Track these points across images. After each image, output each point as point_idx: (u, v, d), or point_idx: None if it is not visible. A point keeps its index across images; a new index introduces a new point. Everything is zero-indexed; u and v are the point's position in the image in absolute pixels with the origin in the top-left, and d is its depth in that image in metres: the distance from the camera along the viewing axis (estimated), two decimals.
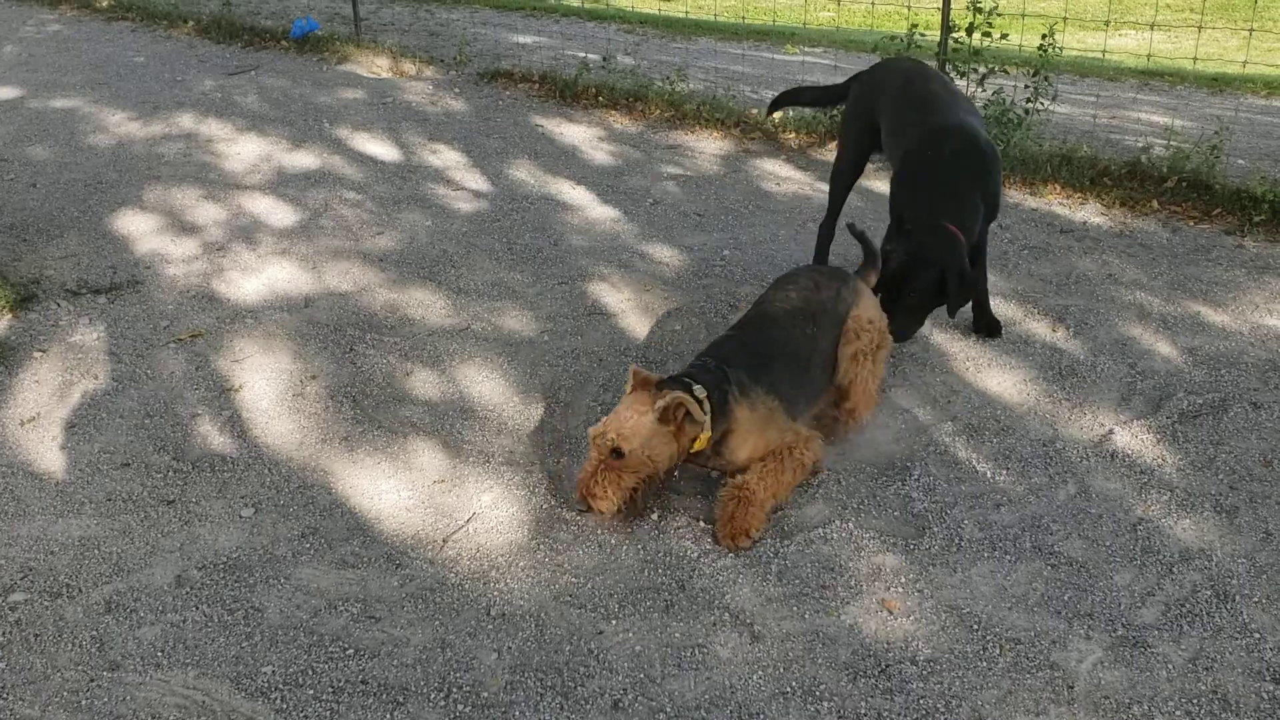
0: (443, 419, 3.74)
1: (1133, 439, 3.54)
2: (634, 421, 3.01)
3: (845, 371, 3.49)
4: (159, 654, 2.75)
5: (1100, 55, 8.50)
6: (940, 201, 3.74)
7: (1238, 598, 2.86)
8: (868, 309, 3.57)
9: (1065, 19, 7.43)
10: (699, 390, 3.07)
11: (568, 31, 9.71)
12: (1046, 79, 5.87)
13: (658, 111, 7.00)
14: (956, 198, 3.76)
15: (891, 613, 2.85)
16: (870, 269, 3.81)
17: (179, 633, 2.82)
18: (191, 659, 2.74)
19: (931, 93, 4.05)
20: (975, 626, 2.79)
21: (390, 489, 3.39)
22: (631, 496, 3.10)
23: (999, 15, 5.76)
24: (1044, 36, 5.83)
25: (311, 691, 2.63)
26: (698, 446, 3.11)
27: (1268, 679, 2.60)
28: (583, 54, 8.16)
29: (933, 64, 6.19)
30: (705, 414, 3.05)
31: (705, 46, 9.24)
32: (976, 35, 5.82)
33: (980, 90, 6.05)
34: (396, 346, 4.22)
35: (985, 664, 2.67)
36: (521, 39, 9.52)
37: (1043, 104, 5.91)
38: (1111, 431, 3.59)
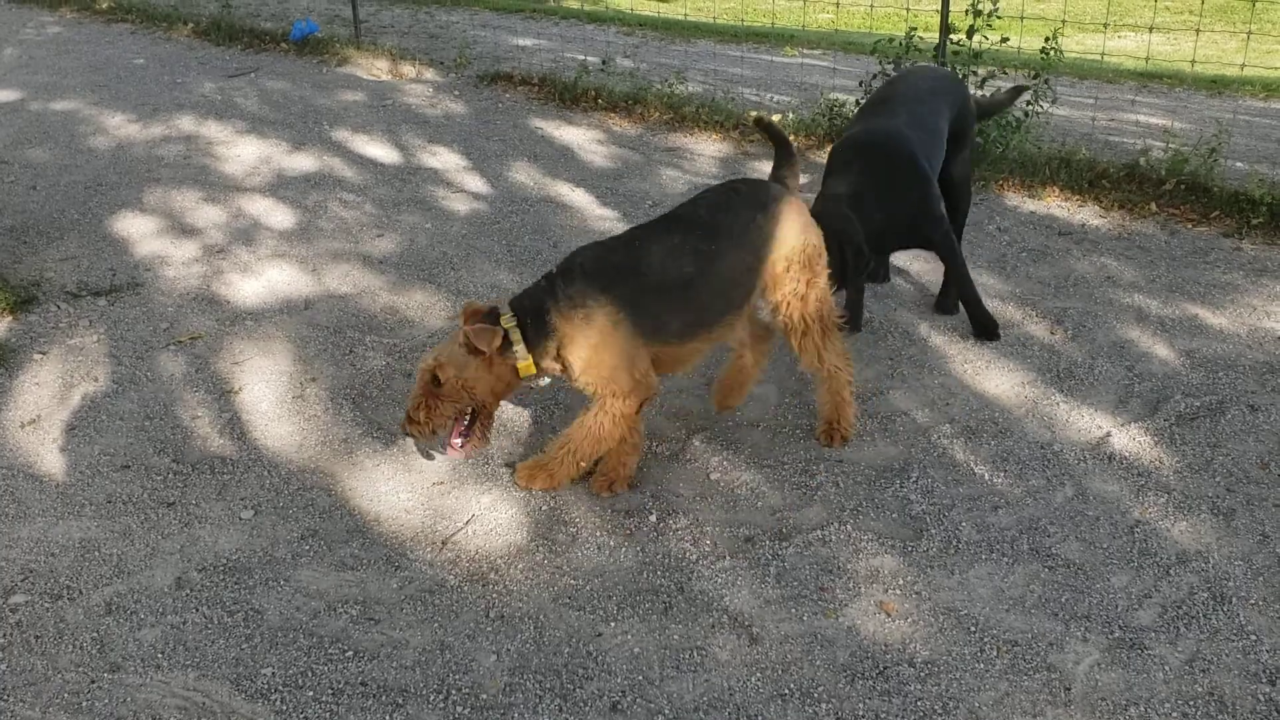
0: None
1: (1130, 441, 3.55)
2: (450, 351, 3.06)
3: (784, 315, 3.38)
4: (159, 655, 2.76)
5: (1099, 57, 8.52)
6: (840, 195, 3.87)
7: (1234, 600, 2.86)
8: (789, 239, 3.30)
9: (1064, 21, 7.43)
10: (506, 319, 3.06)
11: (567, 34, 9.72)
12: (1046, 81, 5.88)
13: (657, 114, 7.01)
14: (856, 198, 3.84)
15: (889, 615, 2.85)
16: (787, 164, 3.46)
17: (179, 634, 2.83)
18: (192, 660, 2.74)
19: (886, 98, 4.16)
20: (973, 628, 2.80)
21: (390, 491, 3.39)
22: (467, 428, 3.17)
23: (999, 18, 5.77)
24: (1047, 40, 5.84)
25: (311, 693, 2.64)
26: (525, 372, 3.11)
27: (1264, 681, 2.61)
28: (582, 56, 8.17)
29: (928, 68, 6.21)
30: (492, 333, 3.02)
31: (704, 49, 9.25)
32: (976, 38, 5.83)
33: (980, 92, 6.05)
34: (396, 349, 4.23)
35: (983, 666, 2.68)
36: (521, 42, 9.54)
37: (1042, 106, 5.92)
38: (1109, 434, 3.59)
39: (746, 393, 3.70)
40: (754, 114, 3.53)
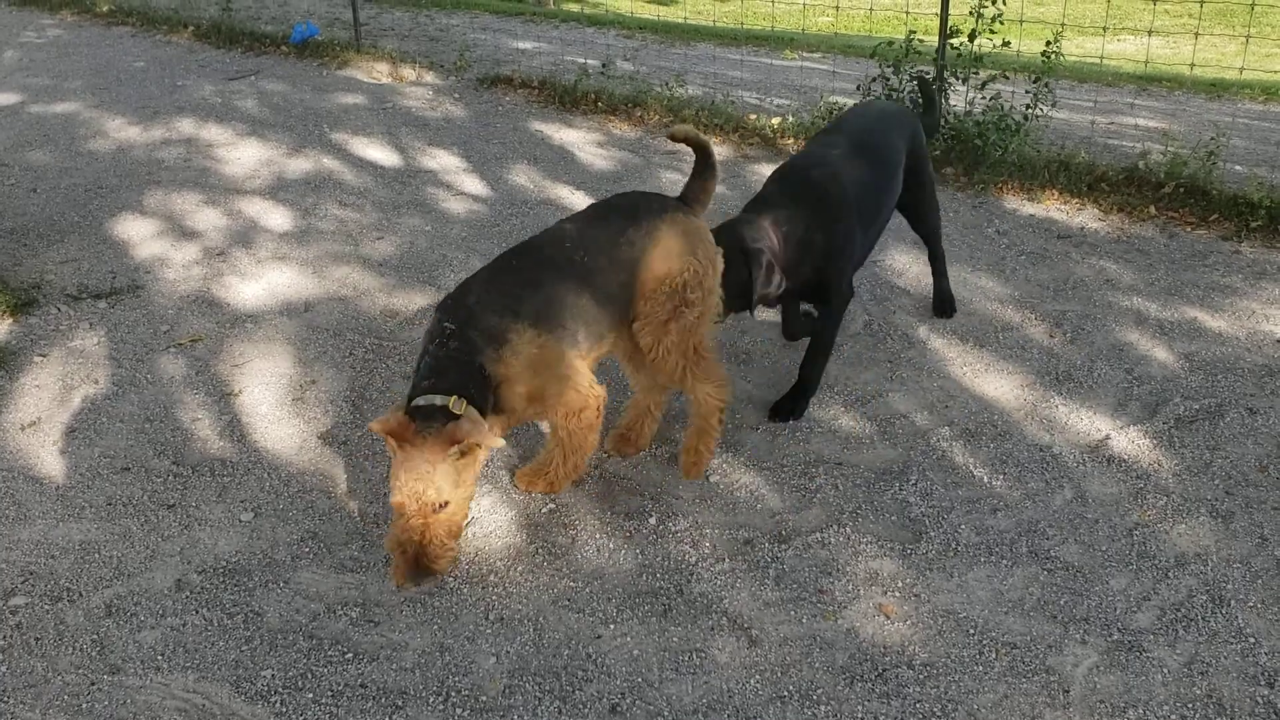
0: None
1: (1129, 444, 3.56)
2: (440, 470, 2.70)
3: (640, 331, 3.17)
4: (159, 657, 2.77)
5: (1098, 61, 8.52)
6: (763, 207, 3.61)
7: (1233, 602, 2.87)
8: (664, 260, 3.11)
9: (1064, 24, 7.44)
10: (454, 404, 2.72)
11: (567, 37, 9.73)
12: (1046, 85, 5.89)
13: (656, 117, 7.02)
14: (775, 210, 3.58)
15: (888, 617, 2.86)
16: (702, 177, 3.29)
17: (179, 636, 2.83)
18: (191, 662, 2.75)
19: (833, 132, 3.94)
20: (972, 631, 2.80)
21: (389, 493, 3.39)
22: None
23: (1001, 22, 5.77)
24: (1048, 43, 5.84)
25: (311, 695, 2.64)
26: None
27: (1262, 683, 2.61)
28: (582, 60, 8.18)
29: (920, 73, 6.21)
30: (482, 423, 2.76)
31: (704, 52, 9.26)
32: (979, 41, 5.83)
33: (980, 96, 6.07)
34: (396, 351, 4.23)
35: (982, 668, 2.69)
36: (521, 45, 9.54)
37: (1042, 109, 5.92)
38: (1108, 436, 3.60)
39: (649, 438, 3.57)
40: (673, 128, 3.30)
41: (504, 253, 3.10)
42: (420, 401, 2.75)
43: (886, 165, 3.89)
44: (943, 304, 4.45)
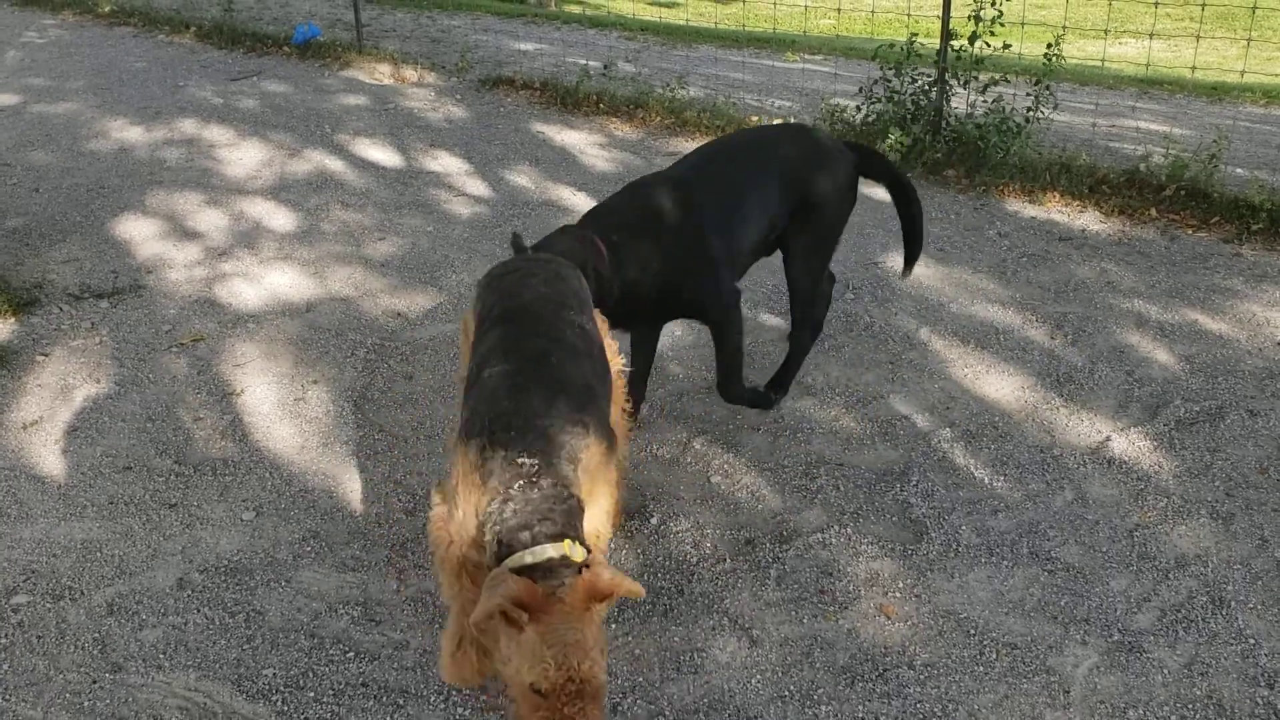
0: (444, 423, 3.76)
1: (1130, 446, 3.56)
2: (590, 635, 2.17)
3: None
4: (161, 656, 2.77)
5: (1100, 64, 8.53)
6: (605, 224, 3.35)
7: (1233, 604, 2.87)
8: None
9: (1065, 27, 7.45)
10: (569, 549, 2.23)
11: (569, 39, 9.74)
12: (1047, 88, 5.90)
13: (658, 118, 7.03)
14: (615, 230, 3.30)
15: (889, 617, 2.86)
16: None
17: (181, 635, 2.84)
18: (193, 661, 2.75)
19: (700, 153, 3.63)
20: (972, 631, 2.81)
21: (391, 493, 3.40)
22: None
23: (1002, 25, 5.78)
24: (1049, 46, 5.85)
25: (312, 694, 2.65)
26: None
27: (1262, 684, 2.62)
28: (584, 61, 8.19)
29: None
30: (608, 565, 2.28)
31: (706, 54, 9.27)
32: (979, 44, 5.84)
33: (982, 98, 6.08)
34: (397, 351, 4.24)
35: (982, 668, 2.69)
36: (523, 46, 9.55)
37: (1044, 113, 5.93)
38: (1109, 438, 3.60)
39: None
40: (515, 232, 3.12)
41: (518, 361, 2.53)
42: (529, 558, 2.21)
43: (750, 179, 3.49)
44: (776, 382, 3.82)
